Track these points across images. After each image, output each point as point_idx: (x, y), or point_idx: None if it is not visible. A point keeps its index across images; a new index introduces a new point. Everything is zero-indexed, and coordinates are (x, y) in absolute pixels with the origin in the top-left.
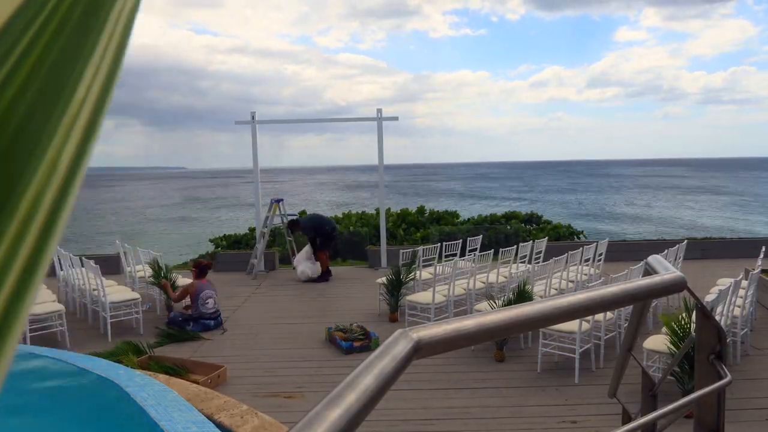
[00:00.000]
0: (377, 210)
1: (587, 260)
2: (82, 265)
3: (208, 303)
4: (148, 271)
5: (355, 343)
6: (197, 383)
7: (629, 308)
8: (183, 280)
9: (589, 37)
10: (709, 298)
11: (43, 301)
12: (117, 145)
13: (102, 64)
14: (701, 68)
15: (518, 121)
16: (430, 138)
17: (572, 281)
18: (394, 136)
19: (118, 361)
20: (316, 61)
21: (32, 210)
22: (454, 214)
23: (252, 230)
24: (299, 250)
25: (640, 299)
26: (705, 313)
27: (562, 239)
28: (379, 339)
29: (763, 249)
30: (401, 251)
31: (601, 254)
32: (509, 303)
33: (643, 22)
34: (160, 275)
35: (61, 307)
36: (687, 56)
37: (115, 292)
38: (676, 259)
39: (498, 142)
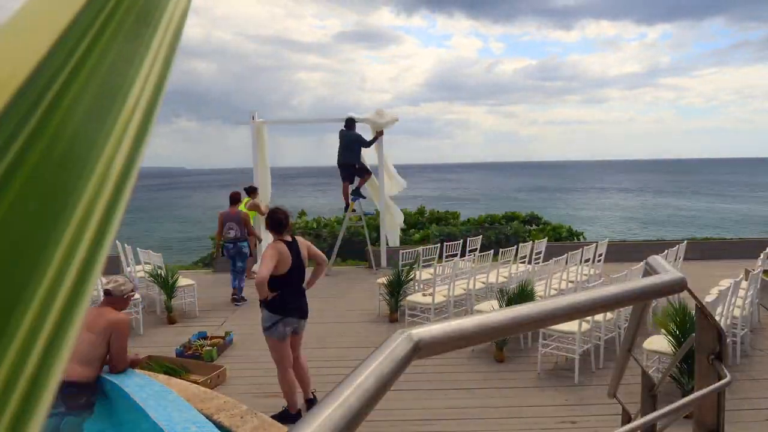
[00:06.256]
0: (377, 210)
1: (587, 261)
2: None
3: (230, 233)
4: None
5: (187, 351)
6: (197, 383)
7: (629, 308)
8: (184, 280)
9: None
10: (709, 298)
11: None
12: None
13: (153, 68)
14: None
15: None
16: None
17: (572, 282)
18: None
19: None
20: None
21: (88, 214)
22: (455, 215)
23: None
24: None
25: (640, 300)
26: (705, 314)
27: (563, 240)
28: (213, 351)
29: (766, 250)
30: (401, 251)
31: (601, 255)
32: (509, 303)
33: None
34: (160, 278)
35: None
36: None
37: None
38: (676, 260)
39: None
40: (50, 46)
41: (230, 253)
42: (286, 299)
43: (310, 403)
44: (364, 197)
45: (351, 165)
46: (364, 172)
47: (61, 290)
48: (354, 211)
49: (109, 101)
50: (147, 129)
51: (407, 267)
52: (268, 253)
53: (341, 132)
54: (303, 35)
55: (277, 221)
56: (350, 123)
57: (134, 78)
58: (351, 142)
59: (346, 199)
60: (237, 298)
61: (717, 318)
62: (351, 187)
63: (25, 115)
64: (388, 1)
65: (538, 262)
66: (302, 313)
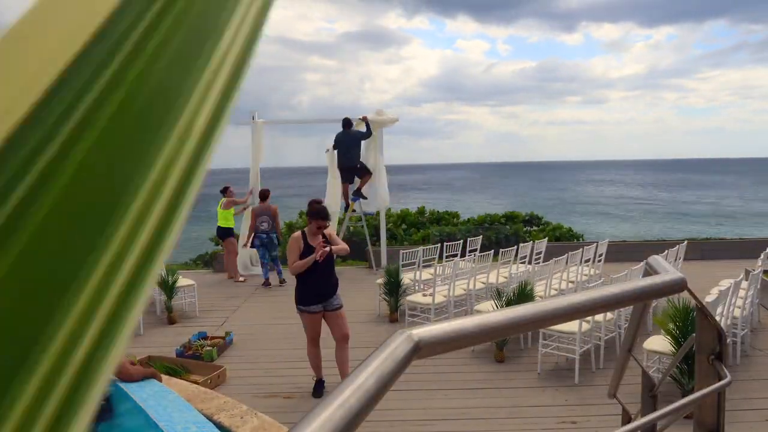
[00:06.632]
0: (377, 210)
1: (587, 261)
2: None
3: (263, 225)
4: None
5: (187, 351)
6: (197, 383)
7: (629, 309)
8: (184, 280)
9: None
10: (709, 298)
11: None
12: None
13: (220, 71)
14: None
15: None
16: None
17: (572, 282)
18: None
19: None
20: None
21: (141, 218)
22: (455, 215)
23: None
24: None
25: (640, 300)
26: (705, 314)
27: (562, 240)
28: (213, 351)
29: (766, 250)
30: (401, 252)
31: (601, 255)
32: (509, 303)
33: None
34: (159, 278)
35: None
36: None
37: None
38: (676, 260)
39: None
40: None
41: (264, 242)
42: (312, 284)
43: (318, 383)
44: (365, 197)
45: (353, 167)
46: (364, 173)
47: (112, 287)
48: (354, 211)
49: (197, 48)
50: (237, 83)
51: (406, 267)
52: (320, 244)
53: (338, 136)
54: (309, 36)
55: (323, 210)
56: (347, 123)
57: (197, 81)
58: (351, 142)
59: (346, 199)
60: (280, 281)
61: (717, 318)
62: (351, 188)
63: (100, 65)
64: (396, 4)
65: (539, 263)
66: (321, 297)
